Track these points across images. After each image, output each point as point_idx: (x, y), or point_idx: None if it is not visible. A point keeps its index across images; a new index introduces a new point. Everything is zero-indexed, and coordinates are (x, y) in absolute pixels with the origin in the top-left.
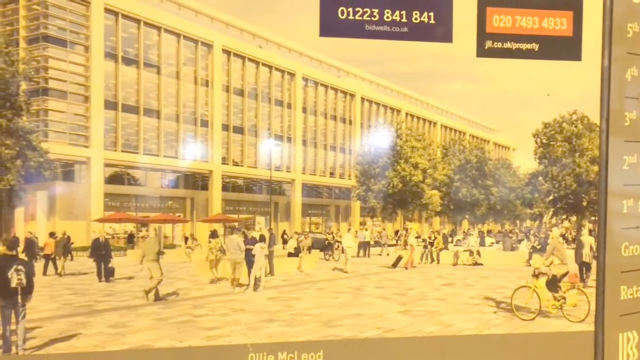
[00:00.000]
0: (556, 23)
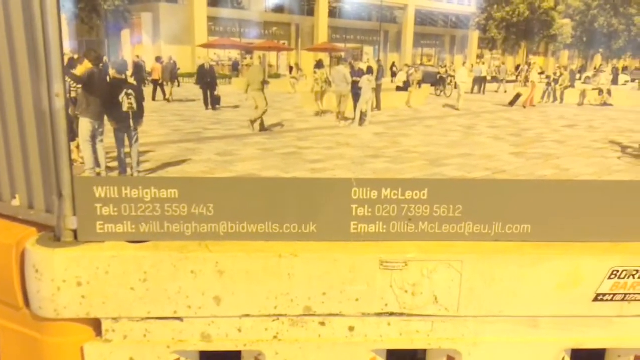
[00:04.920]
0: None
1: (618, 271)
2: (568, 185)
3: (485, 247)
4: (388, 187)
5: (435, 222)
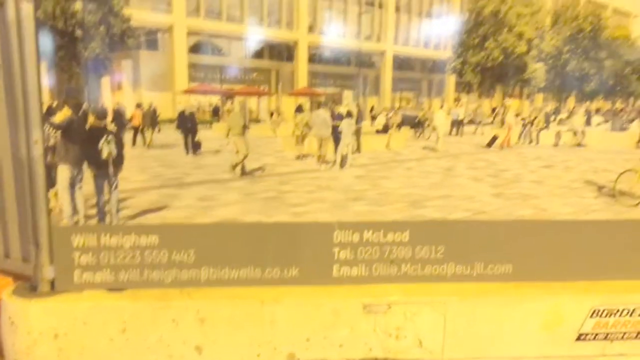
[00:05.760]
0: None
1: (599, 310)
2: (547, 225)
3: (467, 288)
4: (370, 229)
5: (417, 263)
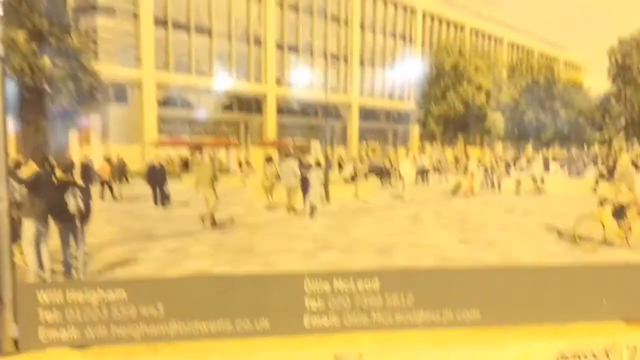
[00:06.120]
0: None
1: (565, 355)
2: (512, 271)
3: (437, 335)
4: (340, 277)
5: (388, 311)
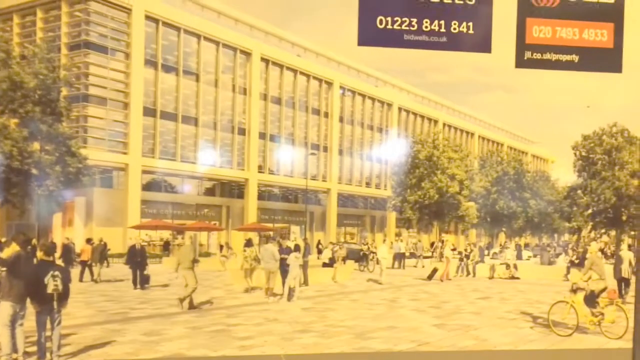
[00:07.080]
0: (597, 34)
1: None
2: (489, 355)
3: None
4: None
5: None
